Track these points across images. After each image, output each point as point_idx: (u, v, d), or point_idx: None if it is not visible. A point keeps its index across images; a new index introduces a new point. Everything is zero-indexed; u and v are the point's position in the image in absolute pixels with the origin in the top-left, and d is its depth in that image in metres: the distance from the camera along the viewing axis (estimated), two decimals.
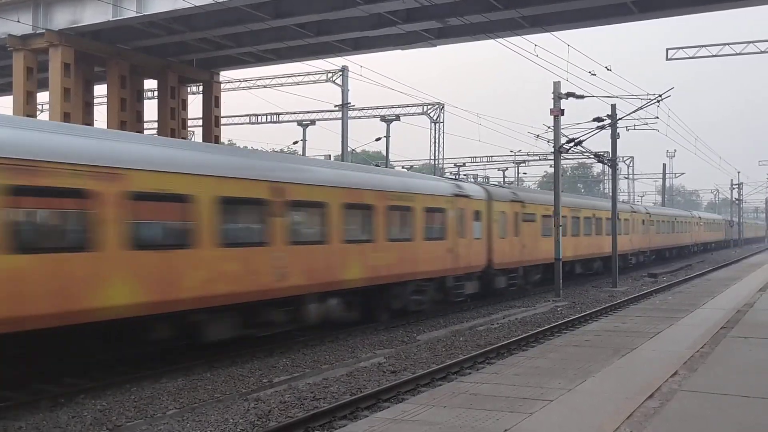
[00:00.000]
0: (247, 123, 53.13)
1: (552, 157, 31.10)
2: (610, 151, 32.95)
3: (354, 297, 17.26)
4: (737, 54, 29.63)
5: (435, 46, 28.97)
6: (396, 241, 18.53)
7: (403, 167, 61.18)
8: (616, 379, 9.58)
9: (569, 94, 26.64)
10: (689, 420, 7.52)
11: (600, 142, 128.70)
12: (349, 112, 38.99)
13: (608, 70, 28.84)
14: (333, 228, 16.21)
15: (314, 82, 42.25)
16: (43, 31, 26.02)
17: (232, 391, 11.57)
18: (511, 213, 25.68)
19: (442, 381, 11.94)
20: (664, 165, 79.57)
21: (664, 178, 79.34)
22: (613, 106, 30.29)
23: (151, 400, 11.04)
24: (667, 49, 30.46)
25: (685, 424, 7.36)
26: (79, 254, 11.08)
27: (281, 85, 43.64)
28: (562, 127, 27.32)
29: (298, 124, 50.60)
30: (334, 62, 35.13)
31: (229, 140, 64.45)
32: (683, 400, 8.35)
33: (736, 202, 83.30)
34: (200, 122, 35.62)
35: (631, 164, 79.91)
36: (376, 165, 38.43)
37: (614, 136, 31.43)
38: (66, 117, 25.99)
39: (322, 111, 49.62)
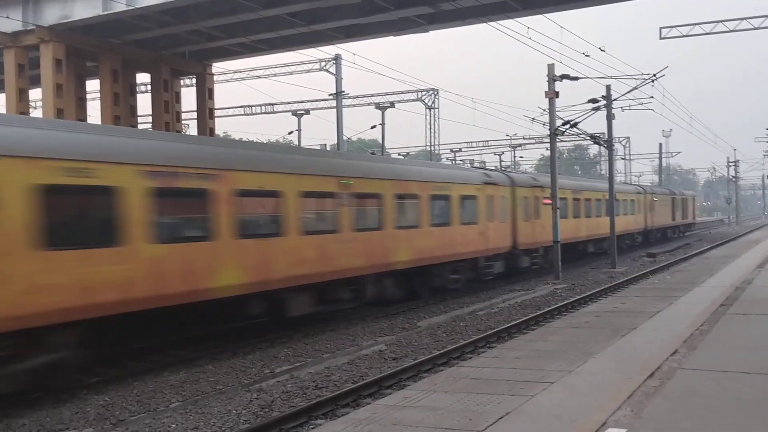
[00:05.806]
0: (242, 114, 52.95)
1: (548, 140, 31.02)
2: (606, 132, 32.86)
3: (401, 277, 19.34)
4: (731, 31, 29.44)
5: (427, 31, 28.86)
6: (437, 226, 20.54)
7: (399, 154, 61.03)
8: (617, 360, 9.62)
9: (563, 76, 26.50)
10: (690, 398, 7.55)
11: (596, 124, 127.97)
12: (344, 101, 38.91)
13: (602, 51, 28.73)
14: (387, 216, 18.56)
15: (308, 71, 42.15)
16: (33, 27, 25.88)
17: (234, 383, 11.61)
18: (532, 197, 27.45)
19: (444, 366, 11.97)
20: (660, 144, 79.50)
21: (660, 158, 79.25)
22: (608, 87, 30.20)
23: (154, 393, 11.07)
24: (661, 28, 30.31)
25: (685, 402, 7.39)
26: None
27: (274, 75, 43.53)
28: (557, 109, 27.21)
29: (293, 114, 50.42)
30: (327, 51, 35.03)
31: (224, 132, 64.28)
32: (684, 378, 8.38)
33: (733, 180, 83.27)
34: (194, 115, 35.56)
35: (627, 145, 79.92)
36: (373, 153, 38.37)
37: (610, 117, 31.32)
38: (59, 113, 25.92)
39: (317, 100, 49.52)
